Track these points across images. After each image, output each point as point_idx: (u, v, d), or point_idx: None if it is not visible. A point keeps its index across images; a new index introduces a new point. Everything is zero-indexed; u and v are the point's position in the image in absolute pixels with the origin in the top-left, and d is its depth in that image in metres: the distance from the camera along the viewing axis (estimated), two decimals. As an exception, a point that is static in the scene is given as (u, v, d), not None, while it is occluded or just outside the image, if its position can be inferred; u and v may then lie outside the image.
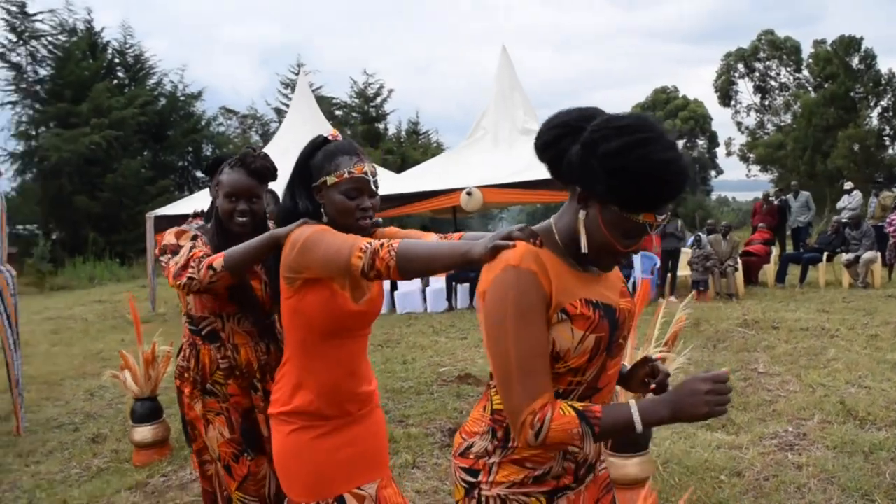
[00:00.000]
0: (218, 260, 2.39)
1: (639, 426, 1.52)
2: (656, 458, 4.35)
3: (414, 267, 1.89)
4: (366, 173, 2.15)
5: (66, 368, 8.67)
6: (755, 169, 46.15)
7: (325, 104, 38.83)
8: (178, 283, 2.45)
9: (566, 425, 1.51)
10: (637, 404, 1.53)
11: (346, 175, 2.13)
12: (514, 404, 1.54)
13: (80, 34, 31.60)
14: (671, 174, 1.47)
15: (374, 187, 2.18)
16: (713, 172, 53.93)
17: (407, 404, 6.20)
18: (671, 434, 4.89)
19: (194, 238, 2.64)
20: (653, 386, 1.77)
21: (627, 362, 2.01)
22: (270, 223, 2.74)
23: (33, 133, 30.25)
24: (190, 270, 2.42)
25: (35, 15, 30.31)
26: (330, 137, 2.24)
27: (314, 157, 2.20)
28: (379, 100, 41.37)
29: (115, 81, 32.40)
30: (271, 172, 2.71)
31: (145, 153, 32.26)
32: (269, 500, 2.72)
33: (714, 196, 55.74)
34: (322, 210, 2.18)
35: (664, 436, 4.84)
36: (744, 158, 47.58)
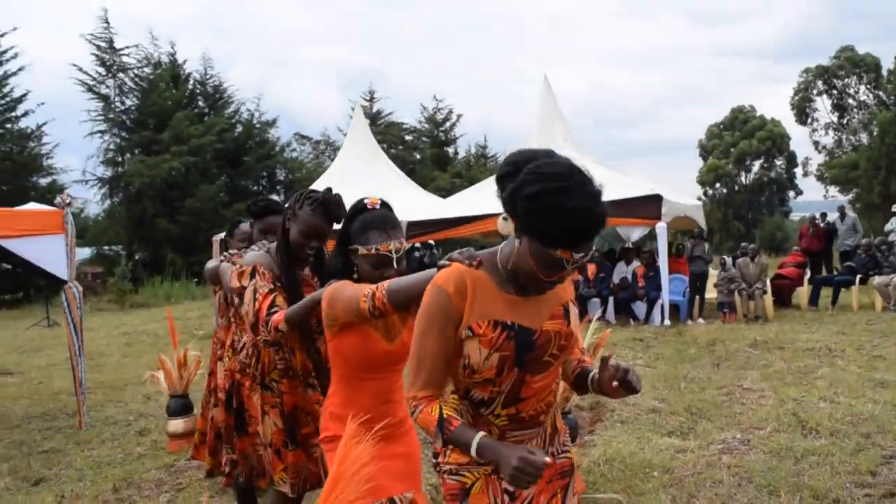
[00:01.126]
0: (281, 322, 2.83)
1: (472, 452, 1.86)
2: (603, 455, 4.97)
3: (401, 298, 2.27)
4: (390, 251, 2.46)
5: (131, 376, 9.72)
6: (833, 189, 45.29)
7: (396, 130, 40.16)
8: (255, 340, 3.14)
9: (427, 422, 1.92)
10: (479, 440, 1.85)
11: (373, 251, 2.46)
12: (407, 386, 2.00)
13: (163, 66, 33.71)
14: (580, 221, 1.70)
15: (395, 264, 2.49)
16: (792, 193, 52.89)
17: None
18: (627, 437, 5.49)
19: (252, 275, 3.02)
20: (615, 384, 1.89)
21: None
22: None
23: (120, 160, 32.45)
24: (262, 333, 2.89)
25: (122, 49, 32.58)
26: (369, 206, 2.54)
27: (353, 222, 2.54)
28: (448, 124, 42.55)
29: (195, 110, 34.29)
30: (343, 217, 2.85)
31: (222, 178, 33.94)
32: (300, 487, 3.18)
33: (796, 217, 54.54)
34: (355, 269, 2.56)
35: (620, 438, 5.45)
36: (820, 179, 46.76)
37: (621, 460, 4.95)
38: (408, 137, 41.67)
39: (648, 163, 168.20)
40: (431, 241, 19.81)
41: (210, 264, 4.47)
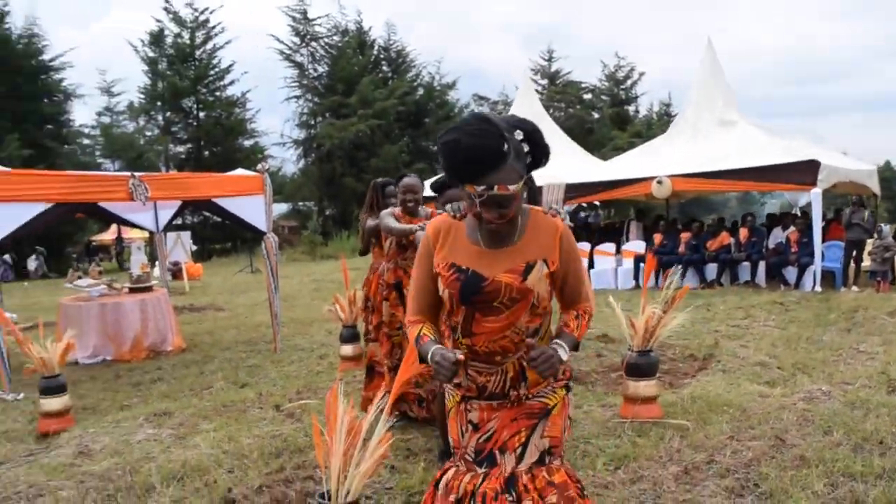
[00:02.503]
0: None
1: (423, 357, 2.22)
2: (690, 394, 5.71)
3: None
4: None
5: (317, 315, 11.35)
6: None
7: (574, 89, 40.34)
8: None
9: (410, 338, 2.30)
10: (430, 347, 2.18)
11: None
12: (406, 310, 2.42)
13: (350, 34, 36.02)
14: (448, 151, 1.98)
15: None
16: None
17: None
18: (722, 383, 6.15)
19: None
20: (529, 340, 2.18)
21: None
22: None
23: (312, 122, 35.28)
24: None
25: (315, 19, 35.21)
26: None
27: None
28: (629, 82, 42.00)
29: (380, 75, 36.41)
30: None
31: (404, 139, 35.87)
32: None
33: None
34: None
35: (715, 383, 6.13)
36: None
37: (705, 398, 5.62)
38: (586, 97, 41.72)
39: (852, 122, 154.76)
40: (597, 202, 20.44)
41: (371, 222, 5.56)
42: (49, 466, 4.67)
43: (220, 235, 32.56)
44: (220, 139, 33.51)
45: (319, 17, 35.72)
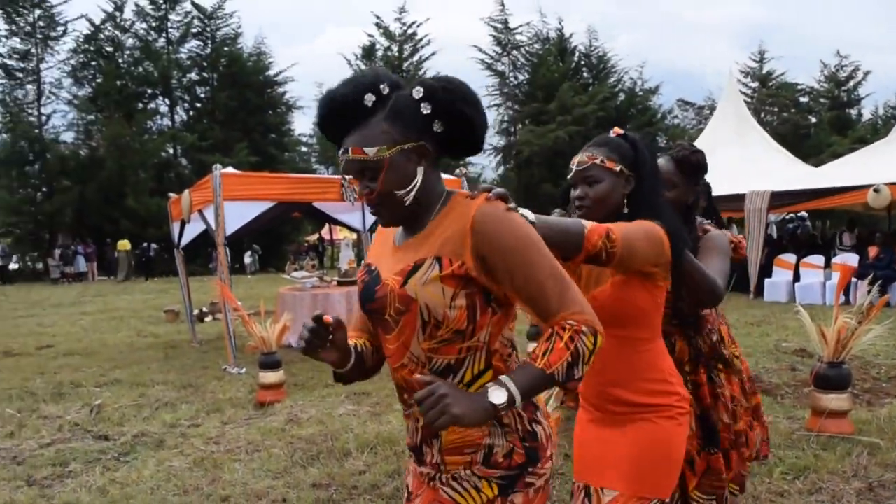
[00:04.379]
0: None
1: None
2: (889, 413, 5.40)
3: None
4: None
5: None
6: None
7: (788, 91, 38.11)
8: None
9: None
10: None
11: None
12: None
13: (551, 41, 36.33)
14: (319, 104, 1.61)
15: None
16: None
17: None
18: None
19: None
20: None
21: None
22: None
23: (512, 130, 35.95)
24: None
25: (516, 28, 35.87)
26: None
27: None
28: (852, 83, 38.88)
29: (580, 81, 36.40)
30: (692, 165, 2.65)
31: (604, 146, 35.56)
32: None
33: None
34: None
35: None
36: None
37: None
38: (802, 99, 39.20)
39: None
40: (804, 213, 19.27)
41: None
42: (265, 429, 5.49)
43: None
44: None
45: (521, 26, 36.38)
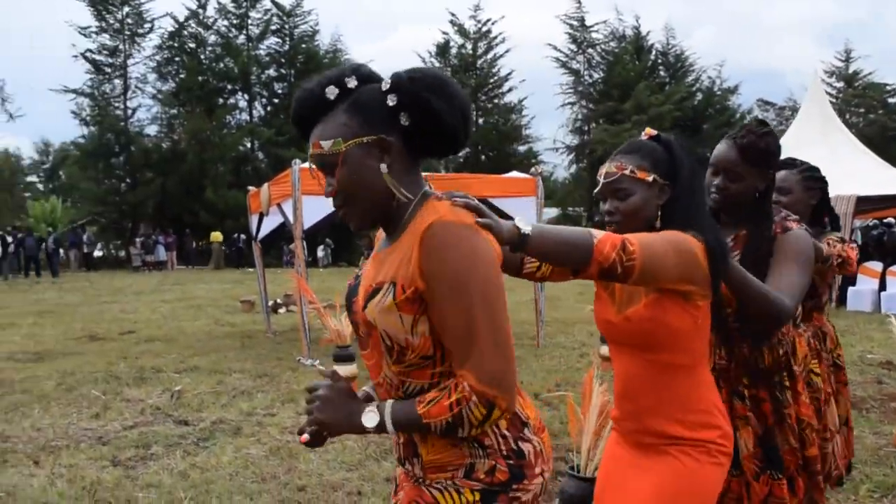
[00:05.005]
0: None
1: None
2: None
3: None
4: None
5: (580, 316, 11.62)
6: None
7: (876, 91, 36.73)
8: None
9: None
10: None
11: None
12: None
13: (627, 39, 35.87)
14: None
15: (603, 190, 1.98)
16: None
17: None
18: None
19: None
20: None
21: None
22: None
23: (585, 129, 35.64)
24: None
25: (592, 26, 35.55)
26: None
27: None
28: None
29: (656, 80, 35.84)
30: (759, 152, 2.23)
31: (680, 146, 35.01)
32: None
33: None
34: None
35: None
36: None
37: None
38: (891, 100, 37.70)
39: None
40: (891, 220, 18.52)
41: None
42: None
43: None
44: (496, 144, 35.03)
45: (597, 24, 36.07)
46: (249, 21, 34.73)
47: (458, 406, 1.35)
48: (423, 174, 1.54)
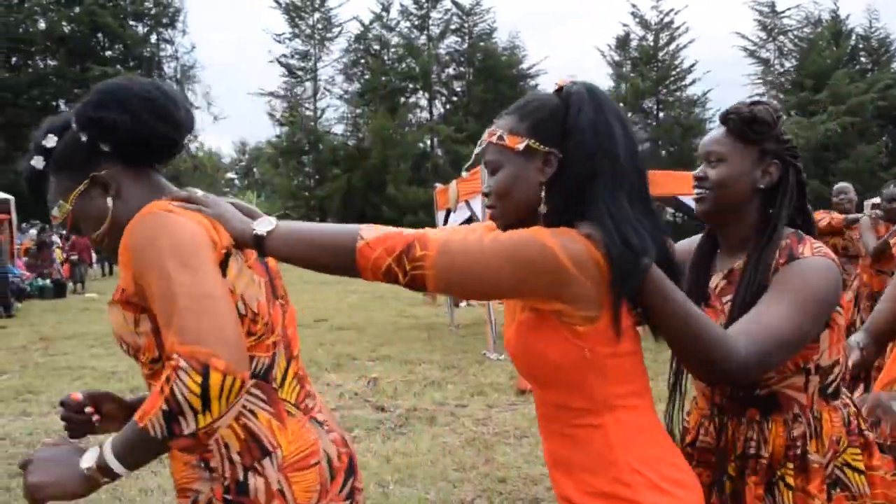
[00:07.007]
0: None
1: None
2: None
3: None
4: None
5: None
6: None
7: None
8: None
9: None
10: None
11: None
12: None
13: (824, 24, 33.47)
14: None
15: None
16: None
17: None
18: None
19: None
20: None
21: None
22: None
23: (776, 121, 33.70)
24: None
25: (783, 12, 33.49)
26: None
27: None
28: None
29: (857, 67, 33.25)
30: (743, 121, 1.62)
31: (883, 139, 32.33)
32: None
33: None
34: None
35: None
36: None
37: None
38: None
39: None
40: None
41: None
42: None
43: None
44: (677, 138, 33.85)
45: (789, 9, 33.93)
46: (430, 21, 35.69)
47: (168, 384, 1.11)
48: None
